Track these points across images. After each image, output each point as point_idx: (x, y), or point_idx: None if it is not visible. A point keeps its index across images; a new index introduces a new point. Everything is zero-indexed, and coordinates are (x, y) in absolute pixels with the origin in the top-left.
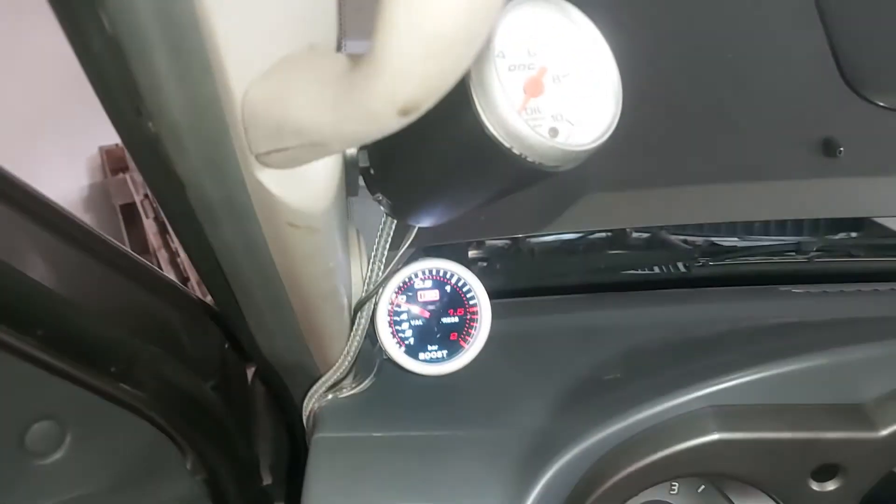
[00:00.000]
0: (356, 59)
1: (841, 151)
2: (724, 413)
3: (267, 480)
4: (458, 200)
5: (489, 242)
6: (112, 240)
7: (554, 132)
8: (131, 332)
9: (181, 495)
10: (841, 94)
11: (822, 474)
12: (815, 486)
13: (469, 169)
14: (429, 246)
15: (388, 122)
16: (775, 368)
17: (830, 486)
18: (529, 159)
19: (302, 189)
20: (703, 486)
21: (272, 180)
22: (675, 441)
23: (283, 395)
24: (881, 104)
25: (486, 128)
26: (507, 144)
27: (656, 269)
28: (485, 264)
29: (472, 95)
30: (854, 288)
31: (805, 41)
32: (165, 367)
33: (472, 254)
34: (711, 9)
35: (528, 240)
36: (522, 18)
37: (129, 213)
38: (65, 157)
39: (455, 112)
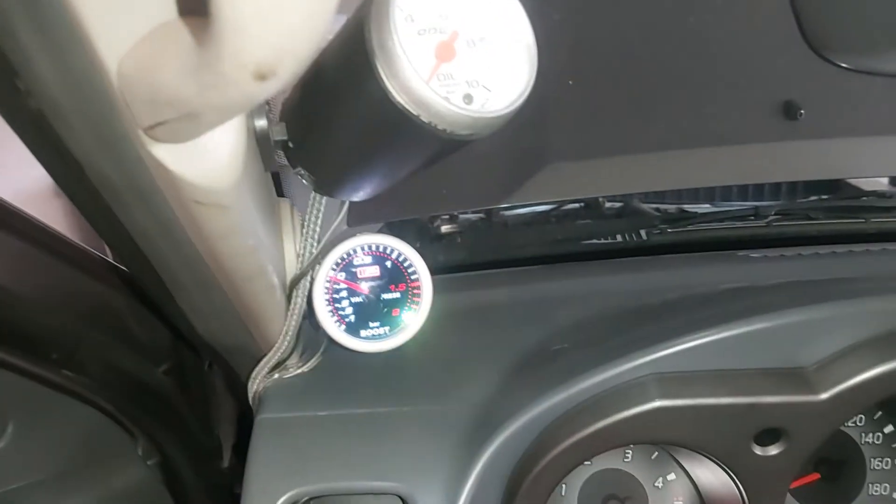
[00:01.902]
0: (207, 23)
1: (802, 114)
2: (666, 380)
3: (227, 463)
4: (378, 172)
5: (445, 217)
6: (52, 227)
7: (469, 98)
8: (72, 317)
9: (133, 481)
10: (802, 55)
11: (765, 438)
12: (758, 450)
13: (381, 139)
14: (391, 222)
15: (247, 88)
16: (717, 334)
17: (773, 450)
18: (440, 127)
19: (202, 164)
20: (656, 453)
21: (168, 156)
22: (617, 410)
23: (232, 377)
24: (843, 65)
25: (392, 96)
26: (414, 112)
27: (616, 238)
28: (440, 238)
29: (374, 63)
30: (811, 251)
31: (766, 2)
32: (111, 352)
33: (428, 228)
34: None
35: (483, 213)
36: None
37: None
38: None
39: (360, 80)
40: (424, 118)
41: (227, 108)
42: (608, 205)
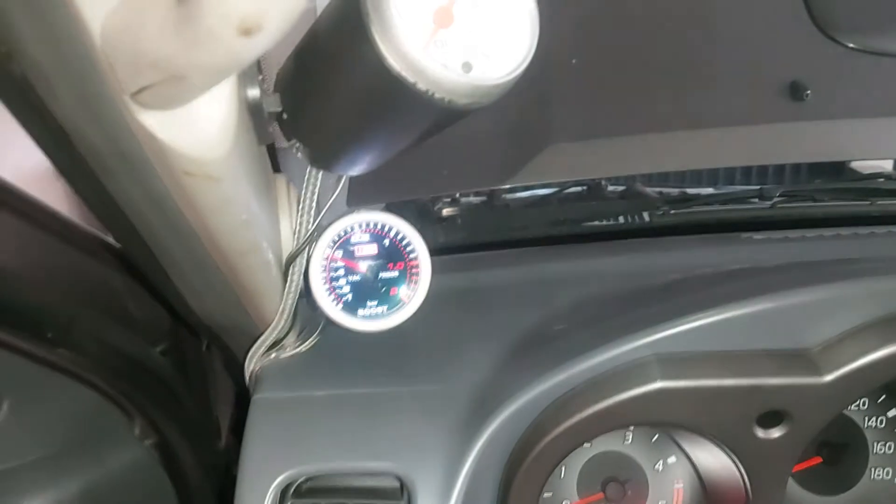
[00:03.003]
0: None
1: (808, 94)
2: (667, 361)
3: (224, 443)
4: (375, 144)
5: (447, 199)
6: (48, 204)
7: (468, 66)
8: (69, 296)
9: (130, 460)
10: (809, 35)
11: (768, 421)
12: (760, 432)
13: (377, 108)
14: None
15: (232, 44)
16: (719, 314)
17: (776, 432)
18: (437, 96)
19: (191, 134)
20: (656, 436)
21: (157, 124)
22: (619, 390)
23: (229, 357)
24: (850, 45)
25: (387, 62)
26: (411, 80)
27: (619, 220)
28: (441, 220)
29: (369, 27)
30: (816, 233)
31: None
32: (107, 331)
33: (429, 209)
34: None
35: (485, 195)
36: None
37: None
38: None
39: (355, 46)
40: (421, 86)
41: (213, 69)
42: (610, 188)
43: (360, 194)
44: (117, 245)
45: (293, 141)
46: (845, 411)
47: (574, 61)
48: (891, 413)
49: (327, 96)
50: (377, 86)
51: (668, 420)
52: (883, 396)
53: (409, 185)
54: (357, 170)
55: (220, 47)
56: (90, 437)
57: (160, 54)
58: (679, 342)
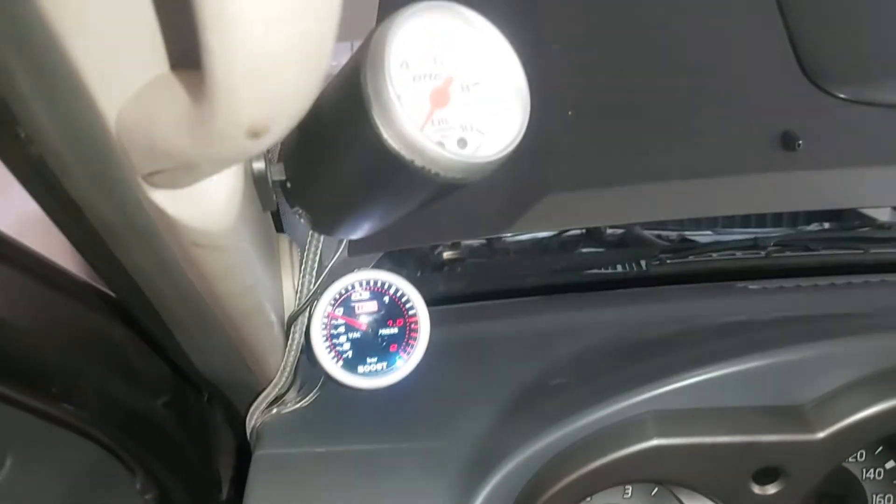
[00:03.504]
0: (204, 76)
1: (800, 144)
2: (663, 418)
3: (225, 496)
4: (374, 213)
5: (445, 246)
6: (50, 259)
7: (463, 143)
8: (72, 351)
9: None
10: (800, 86)
11: (764, 477)
12: (756, 489)
13: (378, 182)
14: (391, 251)
15: (241, 144)
16: (714, 371)
17: (772, 488)
18: (434, 172)
19: (199, 208)
20: (656, 490)
21: (167, 200)
22: (615, 448)
23: (231, 411)
24: (840, 96)
25: (387, 142)
26: (408, 158)
27: (615, 269)
28: (444, 269)
29: (370, 110)
30: (811, 282)
31: (765, 34)
32: (110, 385)
33: (429, 256)
34: (672, 6)
35: (481, 243)
36: (426, 28)
37: None
38: None
39: (357, 126)
40: (419, 163)
41: (222, 161)
42: (609, 232)
43: (361, 244)
44: (117, 299)
45: (296, 207)
46: (844, 463)
47: (570, 113)
48: (889, 465)
49: (329, 169)
50: (377, 162)
51: (664, 477)
52: (880, 448)
53: (409, 235)
54: (357, 235)
55: (230, 146)
56: (92, 490)
57: (172, 147)
58: (675, 399)
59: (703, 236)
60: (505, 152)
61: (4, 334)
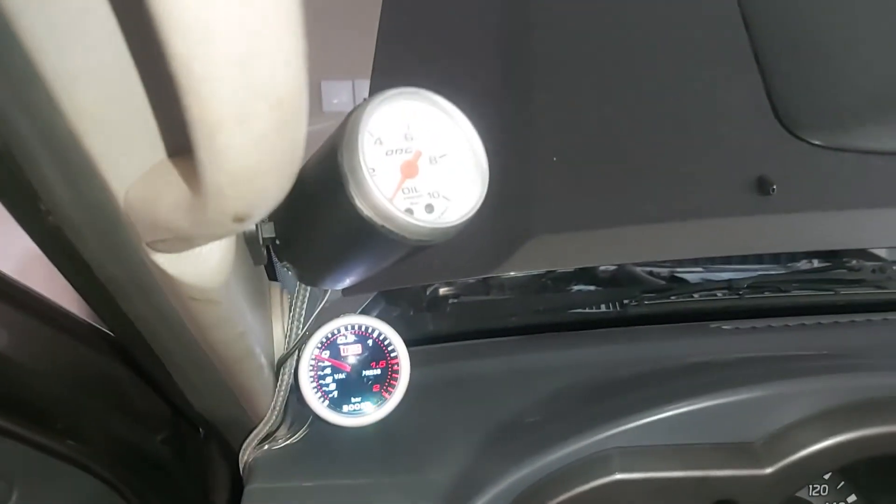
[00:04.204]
0: (195, 175)
1: (774, 189)
2: (626, 454)
3: None
4: (353, 269)
5: (432, 288)
6: (52, 300)
7: (430, 208)
8: (76, 388)
9: None
10: (775, 133)
11: None
12: None
13: (353, 244)
14: (383, 291)
15: (228, 226)
16: (672, 410)
17: None
18: (402, 236)
19: (196, 268)
20: None
21: (167, 262)
22: (581, 482)
23: (226, 447)
24: (814, 142)
25: (361, 212)
26: (379, 223)
27: (595, 309)
28: (433, 308)
29: (346, 185)
30: (781, 322)
31: (741, 83)
32: (112, 421)
33: (426, 297)
34: (650, 53)
35: (480, 282)
36: (397, 110)
37: None
38: None
39: (335, 197)
40: (389, 228)
41: (212, 237)
42: (602, 268)
43: (354, 285)
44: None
45: (284, 262)
46: (806, 497)
47: (555, 159)
48: (850, 499)
49: (312, 230)
50: (352, 227)
51: None
52: (842, 483)
53: (399, 276)
54: (339, 286)
55: (219, 228)
56: None
57: (171, 224)
58: (637, 436)
59: (693, 273)
60: (466, 217)
61: (12, 373)
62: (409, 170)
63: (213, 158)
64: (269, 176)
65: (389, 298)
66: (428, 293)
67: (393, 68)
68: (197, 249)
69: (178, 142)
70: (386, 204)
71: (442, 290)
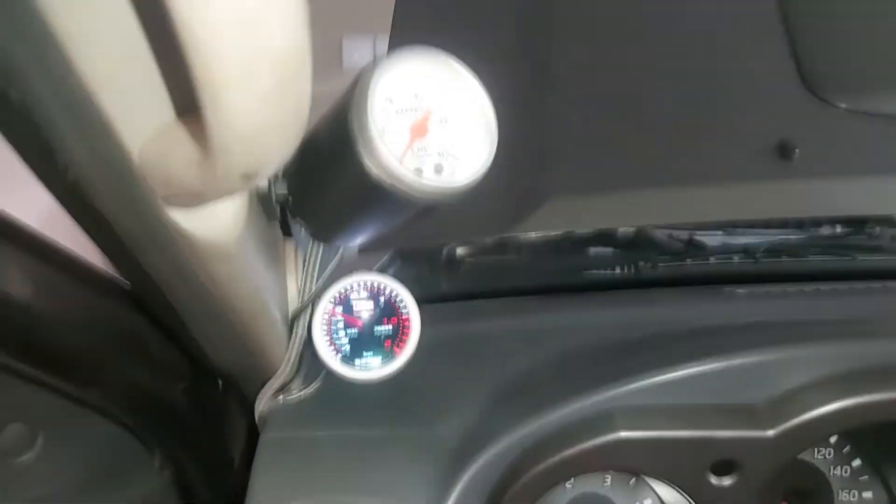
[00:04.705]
0: (204, 134)
1: (796, 153)
2: (629, 413)
3: (239, 476)
4: (364, 227)
5: (450, 248)
6: (77, 253)
7: (439, 168)
8: (99, 339)
9: (148, 491)
10: (799, 95)
11: (720, 469)
12: (713, 479)
13: (365, 202)
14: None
15: (237, 184)
16: (676, 371)
17: (728, 480)
18: (411, 195)
19: (209, 224)
20: (633, 480)
21: (182, 217)
22: (585, 439)
23: (242, 398)
24: (840, 105)
25: (370, 171)
26: (388, 183)
27: (608, 271)
28: (447, 267)
29: (355, 144)
30: (797, 288)
31: (767, 43)
32: (133, 371)
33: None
34: (674, 15)
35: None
36: (408, 70)
37: None
38: None
39: (344, 156)
40: (399, 188)
41: (223, 194)
42: (621, 230)
43: (369, 242)
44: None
45: (297, 218)
46: (811, 460)
47: (574, 119)
48: (855, 463)
49: (323, 189)
50: (362, 186)
51: (631, 467)
52: (847, 447)
53: (415, 235)
54: (351, 243)
55: (228, 185)
56: (114, 468)
57: (183, 181)
58: (640, 396)
59: (709, 237)
60: (475, 178)
61: (36, 322)
62: (419, 129)
63: (219, 117)
64: (274, 134)
65: (405, 256)
66: (444, 252)
67: (411, 26)
68: (210, 206)
69: (188, 101)
70: (394, 164)
71: (459, 251)
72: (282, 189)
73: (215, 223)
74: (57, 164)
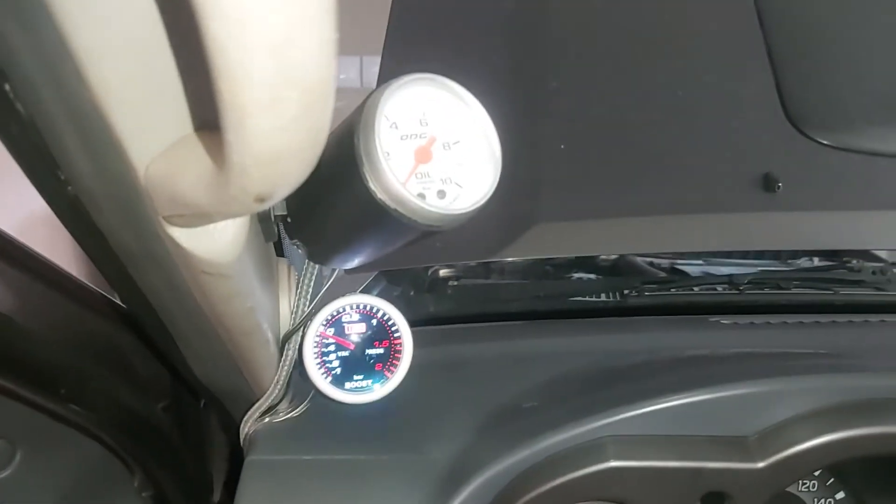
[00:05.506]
0: (221, 154)
1: (780, 186)
2: (620, 442)
3: (217, 498)
4: (363, 250)
5: (433, 270)
6: (61, 267)
7: (442, 194)
8: (81, 355)
9: None
10: (783, 131)
11: (710, 501)
12: None
13: (365, 225)
14: (385, 270)
15: (249, 206)
16: (668, 402)
17: None
18: (414, 220)
19: (210, 243)
20: None
21: (182, 236)
22: (575, 468)
23: (225, 417)
24: (822, 141)
25: (375, 195)
26: (392, 207)
27: (595, 298)
28: (434, 290)
29: (361, 167)
30: (780, 320)
31: (753, 78)
32: (115, 388)
33: (426, 279)
34: (663, 47)
35: (481, 266)
36: (414, 95)
37: None
38: None
39: (349, 180)
40: (401, 212)
41: (231, 215)
42: (602, 257)
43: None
44: (123, 307)
45: (295, 240)
46: (796, 493)
47: (562, 147)
48: (838, 496)
49: (325, 211)
50: (365, 209)
51: (620, 497)
52: (831, 480)
53: (402, 257)
54: (347, 266)
55: (240, 206)
56: (93, 488)
57: (190, 200)
58: (632, 425)
59: (694, 266)
60: (478, 205)
61: (18, 336)
62: (423, 155)
63: (241, 140)
64: (293, 159)
65: (391, 278)
66: (429, 275)
67: (403, 48)
68: (212, 225)
69: (203, 120)
70: (399, 188)
71: (442, 273)
72: (280, 210)
73: (216, 242)
74: (59, 177)
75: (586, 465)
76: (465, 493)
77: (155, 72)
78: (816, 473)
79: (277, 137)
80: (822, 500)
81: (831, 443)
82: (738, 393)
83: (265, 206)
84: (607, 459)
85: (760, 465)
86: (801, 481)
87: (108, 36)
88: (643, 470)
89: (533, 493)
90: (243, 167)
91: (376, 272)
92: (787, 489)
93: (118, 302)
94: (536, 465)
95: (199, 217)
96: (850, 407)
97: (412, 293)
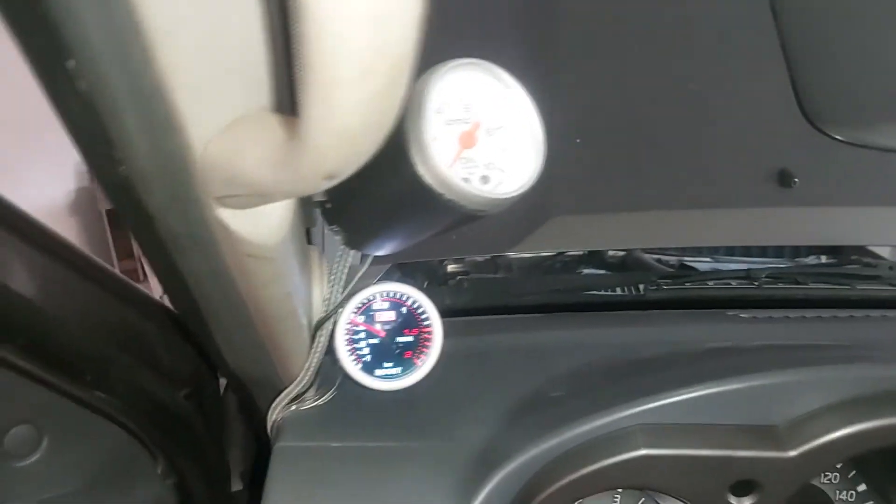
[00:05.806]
0: (292, 131)
1: (796, 182)
2: (651, 430)
3: (237, 486)
4: (403, 235)
5: (456, 262)
6: (89, 254)
7: (486, 179)
8: (107, 342)
9: (151, 497)
10: (799, 127)
11: (740, 489)
12: (733, 500)
13: (409, 210)
14: (400, 262)
15: (316, 184)
16: (699, 391)
17: (747, 500)
18: (459, 204)
19: (257, 225)
20: (643, 499)
21: (230, 218)
22: (606, 456)
23: (251, 406)
24: (837, 137)
25: (422, 177)
26: (438, 191)
27: (614, 292)
28: (451, 282)
29: (409, 150)
30: (798, 314)
31: (768, 75)
32: (139, 376)
33: (441, 272)
34: (678, 42)
35: (493, 260)
36: (459, 80)
37: (116, 218)
38: (51, 163)
39: (396, 163)
40: (448, 196)
41: (295, 194)
42: (611, 254)
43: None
44: (146, 293)
45: (334, 225)
46: (818, 484)
47: (578, 141)
48: (860, 488)
49: (368, 196)
50: (411, 193)
51: (650, 485)
52: (853, 472)
53: (422, 249)
54: (384, 252)
55: (308, 185)
56: (117, 473)
57: (253, 180)
58: (662, 414)
59: (702, 263)
60: (522, 190)
61: (45, 323)
62: (467, 140)
63: (324, 115)
64: (368, 135)
65: (405, 270)
66: (442, 268)
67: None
68: (259, 208)
69: (268, 98)
70: (447, 172)
71: (455, 266)
72: (319, 196)
73: (263, 224)
74: (112, 157)
75: (617, 453)
76: (495, 479)
77: (222, 50)
78: (838, 465)
79: (361, 112)
80: (844, 492)
81: (863, 432)
82: (765, 383)
83: (331, 185)
84: (638, 448)
85: (791, 453)
86: (823, 473)
87: (180, 14)
88: (674, 458)
89: (565, 481)
90: (319, 144)
91: (389, 265)
92: (811, 481)
93: (138, 288)
94: (568, 452)
95: (256, 197)
96: (881, 396)
97: (434, 284)
